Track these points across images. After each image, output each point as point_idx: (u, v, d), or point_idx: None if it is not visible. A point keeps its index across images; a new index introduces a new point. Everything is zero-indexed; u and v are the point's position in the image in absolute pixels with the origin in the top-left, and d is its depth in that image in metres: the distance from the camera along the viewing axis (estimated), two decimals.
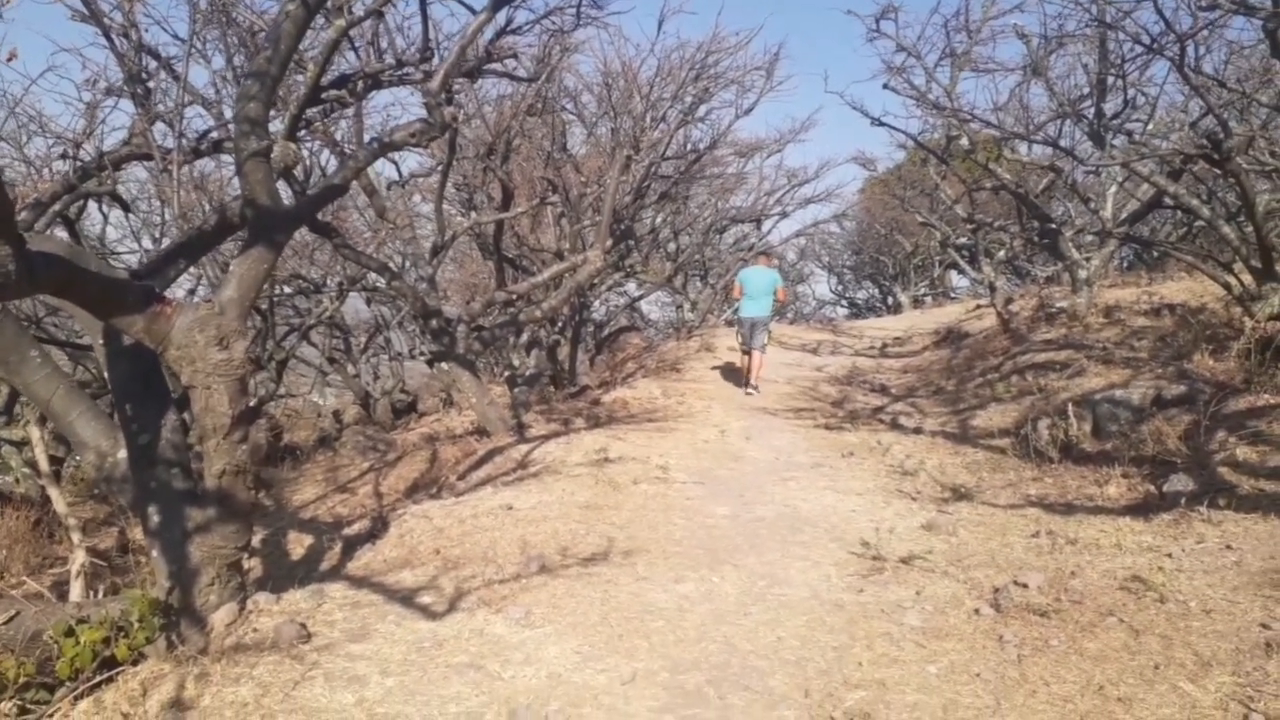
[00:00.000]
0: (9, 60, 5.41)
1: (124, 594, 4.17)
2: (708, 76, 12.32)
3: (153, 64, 7.01)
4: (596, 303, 18.48)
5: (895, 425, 8.81)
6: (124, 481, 4.22)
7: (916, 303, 26.64)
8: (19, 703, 3.50)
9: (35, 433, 5.43)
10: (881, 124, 11.90)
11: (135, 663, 3.67)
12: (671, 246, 19.87)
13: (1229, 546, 4.39)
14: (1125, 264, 19.38)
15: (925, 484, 6.67)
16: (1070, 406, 7.11)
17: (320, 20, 5.78)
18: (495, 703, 3.31)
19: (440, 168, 9.78)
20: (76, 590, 4.59)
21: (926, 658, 3.70)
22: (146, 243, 12.74)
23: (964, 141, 11.49)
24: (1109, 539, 4.80)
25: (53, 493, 5.28)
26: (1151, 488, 5.55)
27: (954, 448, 7.61)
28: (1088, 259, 11.20)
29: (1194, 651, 3.44)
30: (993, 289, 13.78)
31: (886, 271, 29.86)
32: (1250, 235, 7.76)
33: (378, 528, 6.25)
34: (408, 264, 14.63)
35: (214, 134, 7.21)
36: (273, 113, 4.89)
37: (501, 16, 6.73)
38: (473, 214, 12.57)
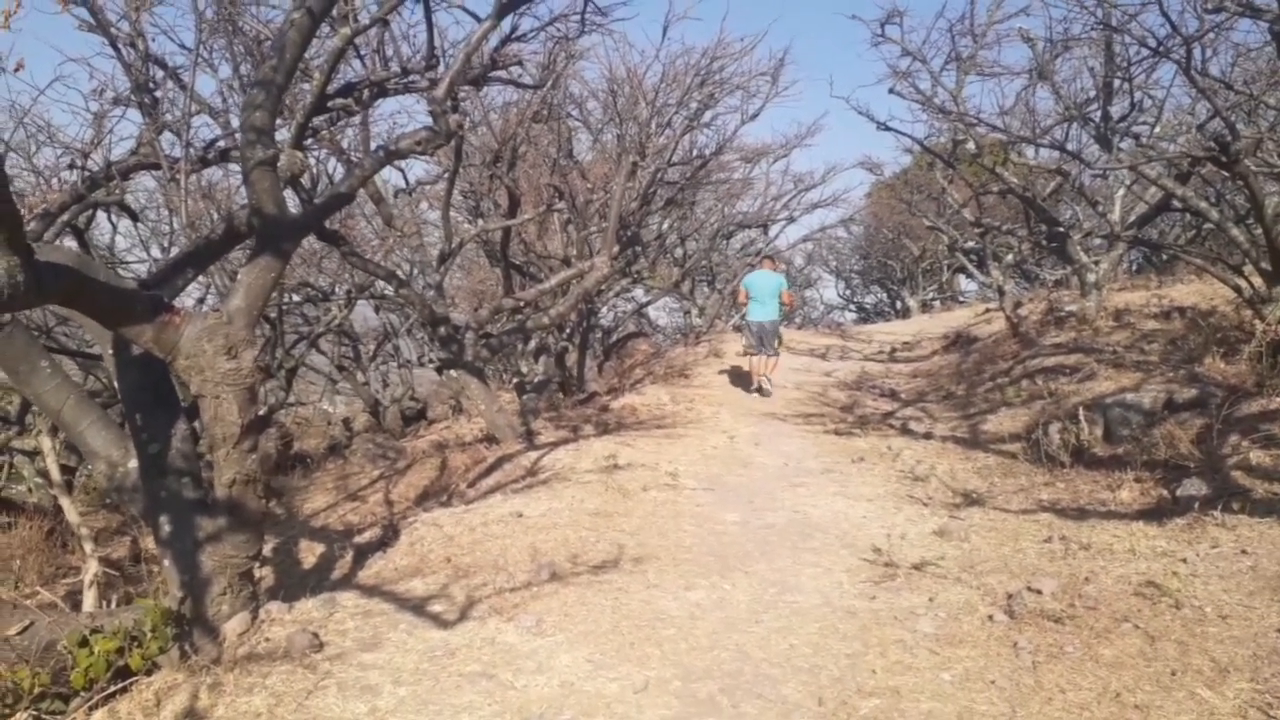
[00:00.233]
0: (16, 70, 5.44)
1: (137, 604, 4.17)
2: (713, 82, 12.33)
3: (160, 73, 7.05)
4: (604, 309, 18.48)
5: (905, 430, 8.78)
6: (135, 491, 4.23)
7: (925, 307, 26.57)
8: (34, 713, 3.50)
9: (47, 443, 5.44)
10: (887, 128, 11.92)
11: (149, 673, 3.67)
12: (679, 252, 19.87)
13: (1244, 551, 4.35)
14: (1134, 267, 19.31)
15: (936, 489, 6.64)
16: (1081, 411, 7.08)
17: (325, 29, 5.79)
18: (508, 712, 3.30)
19: (447, 175, 9.80)
20: (90, 600, 4.59)
21: (940, 665, 3.68)
22: (155, 252, 12.80)
23: (970, 145, 11.47)
24: (1122, 544, 4.77)
25: (64, 503, 5.28)
26: (1164, 492, 5.52)
27: (965, 453, 7.57)
28: (1096, 262, 11.16)
29: (1211, 658, 3.41)
30: (1001, 293, 13.74)
31: (894, 276, 29.81)
32: (1259, 238, 7.72)
33: (389, 536, 6.25)
34: (415, 271, 14.67)
35: (221, 143, 7.24)
36: (279, 121, 4.90)
37: (506, 24, 6.73)
38: (480, 221, 12.58)
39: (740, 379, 12.58)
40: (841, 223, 26.07)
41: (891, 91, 11.32)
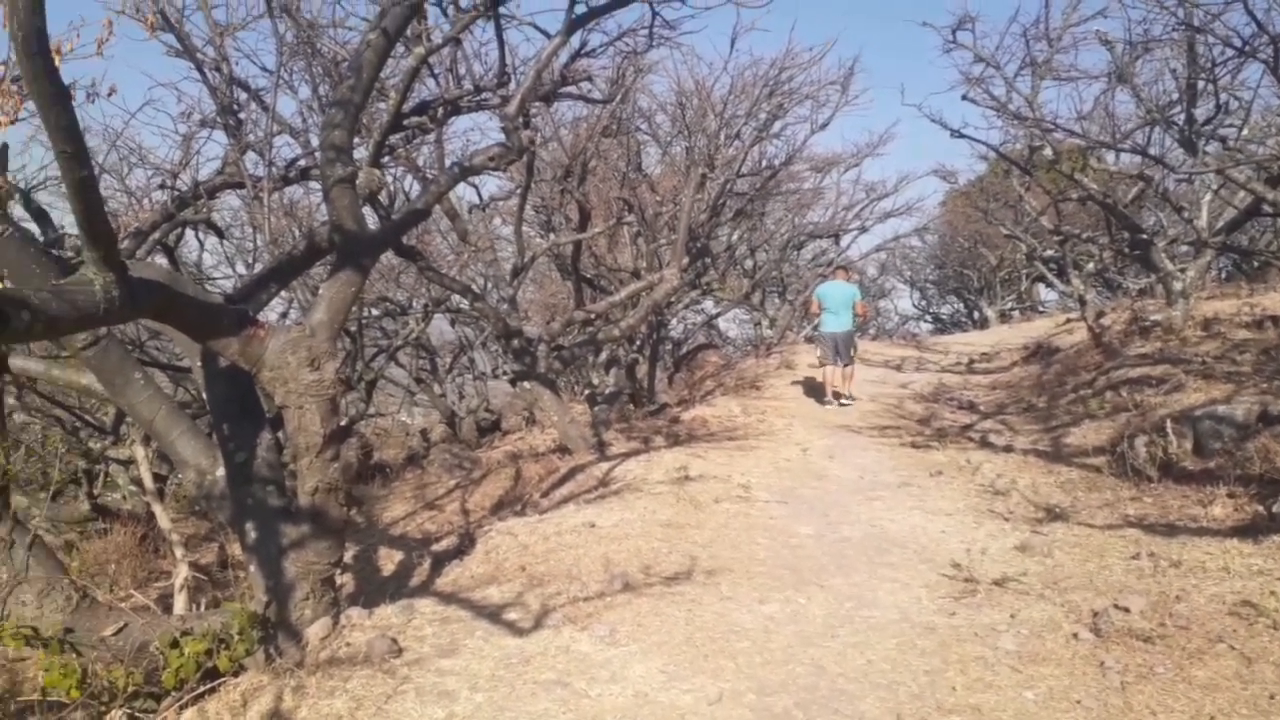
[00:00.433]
0: (109, 95, 5.73)
1: (224, 607, 4.31)
2: (782, 92, 12.28)
3: (243, 96, 7.32)
4: (674, 321, 18.49)
5: (985, 443, 8.58)
6: (222, 499, 4.37)
7: (1003, 317, 25.97)
8: (128, 711, 3.65)
9: (140, 451, 5.67)
10: (961, 136, 11.68)
11: (236, 674, 3.78)
12: (748, 263, 19.80)
13: None
14: (1223, 274, 18.58)
15: (1018, 504, 6.46)
16: (1169, 423, 6.82)
17: (400, 49, 5.95)
18: None
19: (519, 190, 9.95)
20: (180, 603, 4.75)
21: (1023, 683, 3.58)
22: (240, 268, 13.27)
23: (1047, 152, 11.18)
24: (1215, 562, 4.57)
25: (157, 509, 5.49)
26: (1260, 508, 5.27)
27: (1047, 466, 7.36)
28: (1183, 270, 10.77)
29: None
30: (1083, 302, 13.36)
31: (971, 285, 29.19)
32: None
33: (465, 544, 6.34)
34: (489, 285, 14.91)
35: (301, 162, 7.48)
36: (357, 140, 5.04)
37: (576, 40, 6.85)
38: (551, 235, 12.75)
39: (813, 391, 12.45)
40: (915, 231, 25.76)
41: (965, 98, 11.12)
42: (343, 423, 4.46)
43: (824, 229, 20.51)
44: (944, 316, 33.59)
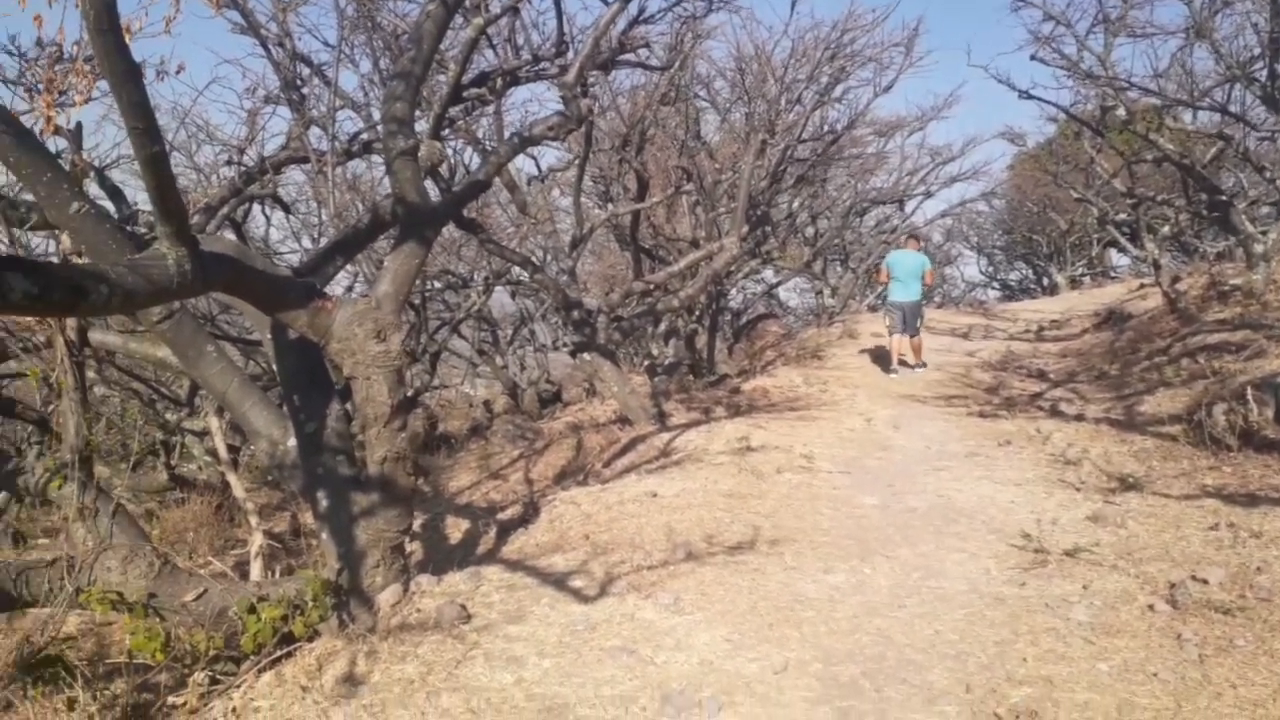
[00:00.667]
0: (178, 73, 5.84)
1: (299, 574, 4.43)
2: (844, 55, 12.03)
3: (306, 71, 7.42)
4: (733, 290, 18.38)
5: (1055, 412, 8.38)
6: (294, 468, 4.48)
7: (1074, 283, 25.26)
8: (210, 673, 3.78)
9: (214, 422, 5.83)
10: (1030, 97, 11.35)
11: (310, 639, 3.88)
12: (810, 231, 19.54)
13: None
14: None
15: (1089, 473, 6.30)
16: (1249, 390, 6.56)
17: (459, 20, 5.95)
18: (649, 687, 3.34)
19: (577, 161, 9.94)
20: (256, 570, 4.90)
21: (1097, 655, 3.50)
22: (305, 242, 13.52)
23: (1120, 111, 10.79)
24: None
25: (232, 479, 5.65)
26: None
27: (1120, 435, 7.16)
28: (1264, 232, 10.34)
29: None
30: (1157, 267, 12.95)
31: (1040, 251, 28.42)
32: None
33: (529, 513, 6.42)
34: (548, 257, 14.98)
35: (364, 136, 7.57)
36: (417, 113, 5.07)
37: (633, 6, 6.77)
38: (609, 206, 12.71)
39: (877, 360, 12.29)
40: (982, 196, 25.15)
41: (1033, 58, 10.79)
42: (408, 394, 4.52)
43: (887, 195, 20.14)
44: (1012, 283, 32.81)
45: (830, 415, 9.03)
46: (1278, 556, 4.17)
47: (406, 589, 4.28)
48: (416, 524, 7.01)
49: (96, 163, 7.88)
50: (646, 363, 14.82)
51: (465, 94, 6.65)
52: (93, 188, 6.92)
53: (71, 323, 5.21)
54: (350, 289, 13.35)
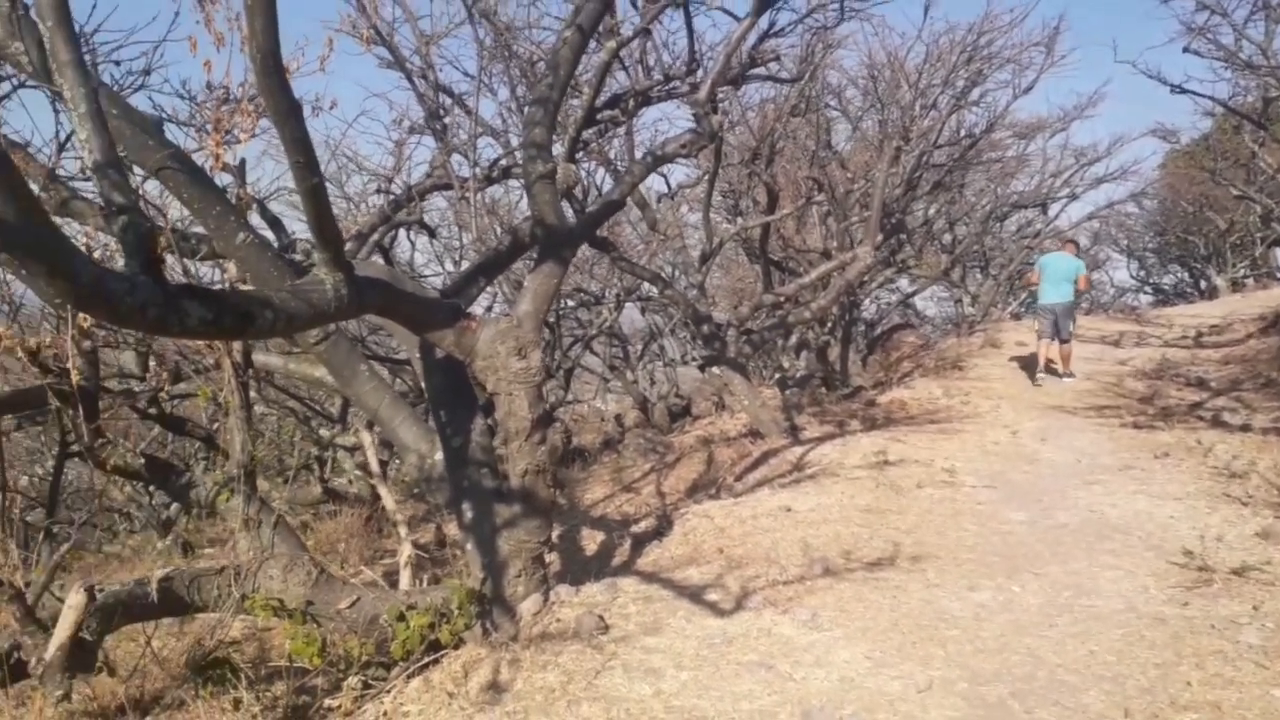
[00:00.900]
0: (331, 108, 6.23)
1: (445, 583, 4.61)
2: (981, 58, 11.67)
3: (448, 101, 7.75)
4: (867, 301, 18.02)
5: (1217, 422, 7.85)
6: (441, 481, 4.66)
7: (1235, 286, 23.56)
8: (363, 678, 3.97)
9: (367, 437, 6.12)
10: (1183, 91, 10.76)
11: (456, 646, 4.03)
12: (947, 238, 18.96)
13: None
14: None
15: (1258, 487, 5.88)
16: None
17: (591, 45, 6.11)
18: (788, 703, 3.32)
19: (707, 176, 9.99)
20: (405, 579, 5.10)
21: (1270, 680, 3.27)
22: (448, 265, 14.06)
23: None
24: None
25: (383, 491, 5.91)
26: None
27: None
28: None
29: None
30: None
31: (1197, 253, 26.64)
32: None
33: (663, 526, 6.47)
34: (677, 273, 15.08)
35: (502, 161, 7.84)
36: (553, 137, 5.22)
37: (764, 20, 6.78)
38: (739, 220, 12.71)
39: (1022, 370, 11.81)
40: (1132, 197, 23.75)
41: (1186, 50, 10.20)
42: (546, 409, 4.65)
43: (1029, 198, 19.34)
44: (1165, 287, 30.85)
45: (973, 428, 8.73)
46: None
47: (546, 599, 4.39)
48: (554, 535, 7.18)
49: (258, 195, 8.45)
50: (777, 376, 14.70)
51: (599, 116, 6.80)
52: (254, 218, 7.42)
53: (237, 346, 5.61)
54: (489, 309, 13.80)
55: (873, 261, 10.21)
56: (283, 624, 4.11)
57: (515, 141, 7.88)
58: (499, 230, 11.08)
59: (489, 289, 12.30)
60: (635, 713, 3.31)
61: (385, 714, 3.59)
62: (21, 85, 5.13)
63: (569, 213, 7.52)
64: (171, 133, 4.68)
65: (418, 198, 7.55)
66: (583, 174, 9.14)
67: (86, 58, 2.73)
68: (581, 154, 7.99)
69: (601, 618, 4.11)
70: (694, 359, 16.63)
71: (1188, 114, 58.05)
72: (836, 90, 13.31)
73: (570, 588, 4.55)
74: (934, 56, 11.28)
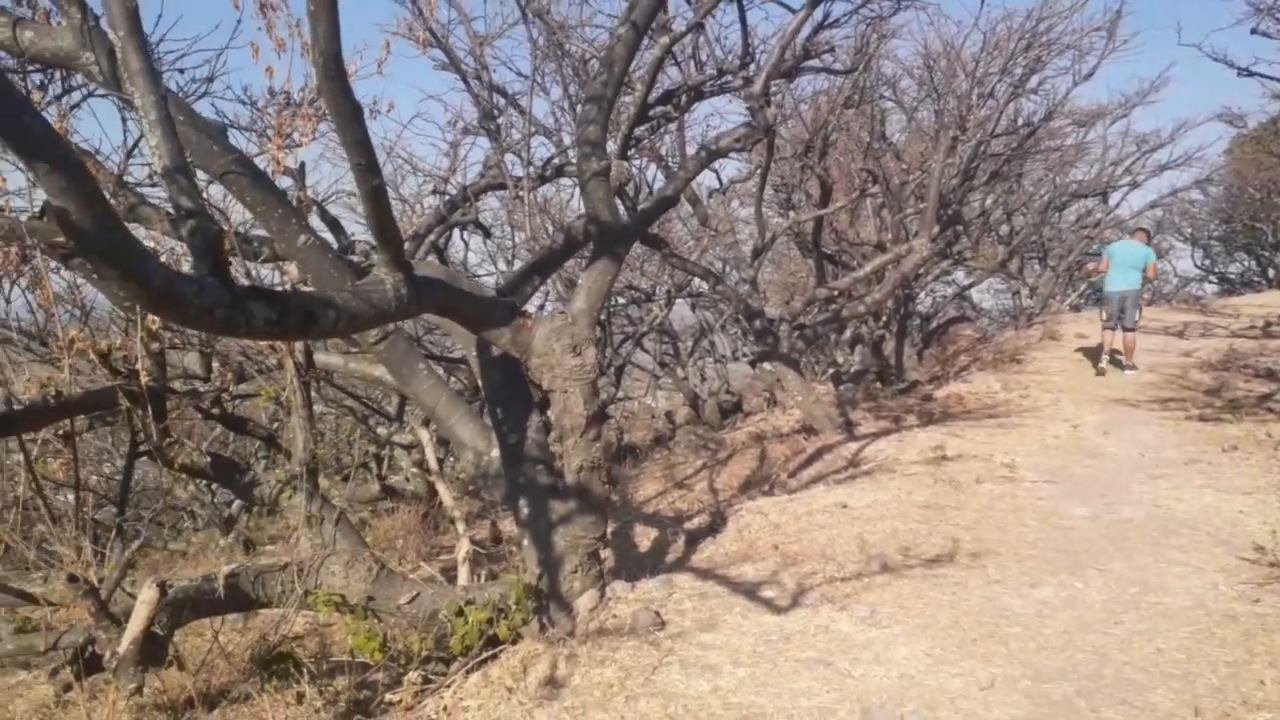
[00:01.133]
0: (388, 111, 6.32)
1: (502, 579, 4.66)
2: (1040, 45, 11.39)
3: (501, 101, 7.80)
4: (922, 294, 17.76)
5: None
6: (497, 477, 4.71)
7: None
8: (423, 673, 4.03)
9: (424, 435, 6.21)
10: (1251, 74, 10.36)
11: (514, 642, 4.07)
12: (1004, 229, 18.60)
13: None
14: None
15: None
16: None
17: (643, 41, 6.10)
18: (847, 700, 3.29)
19: (759, 171, 9.92)
20: (463, 575, 5.16)
21: None
22: (501, 265, 14.18)
23: None
24: None
25: (440, 487, 5.99)
26: None
27: None
28: None
29: None
30: None
31: (1264, 240, 25.76)
32: None
33: (716, 522, 6.46)
34: (728, 268, 15.01)
35: (555, 160, 7.87)
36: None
37: (819, 12, 6.71)
38: (791, 214, 12.60)
39: (1084, 362, 11.55)
40: (1196, 184, 23.02)
41: (1254, 32, 9.84)
42: (600, 406, 4.67)
43: (1089, 187, 18.89)
44: (1232, 276, 29.88)
45: (1033, 422, 8.57)
46: None
47: (602, 595, 4.41)
48: (608, 532, 7.21)
49: (317, 198, 8.60)
50: (831, 370, 14.57)
51: (651, 112, 6.79)
52: (314, 220, 7.56)
53: (299, 346, 5.72)
54: (541, 307, 13.88)
55: (929, 254, 10.07)
56: (344, 619, 4.17)
57: (568, 140, 7.91)
58: (551, 229, 11.14)
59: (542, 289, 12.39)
60: (693, 709, 3.31)
61: (445, 709, 3.64)
62: (91, 94, 5.28)
63: (621, 210, 7.54)
64: (234, 138, 4.79)
65: (472, 198, 7.62)
66: (634, 171, 9.15)
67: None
68: (633, 150, 8.00)
69: (658, 614, 4.12)
70: (745, 355, 16.56)
71: (1255, 97, 56.23)
72: (891, 81, 13.12)
73: (626, 584, 4.57)
74: (991, 44, 11.04)
